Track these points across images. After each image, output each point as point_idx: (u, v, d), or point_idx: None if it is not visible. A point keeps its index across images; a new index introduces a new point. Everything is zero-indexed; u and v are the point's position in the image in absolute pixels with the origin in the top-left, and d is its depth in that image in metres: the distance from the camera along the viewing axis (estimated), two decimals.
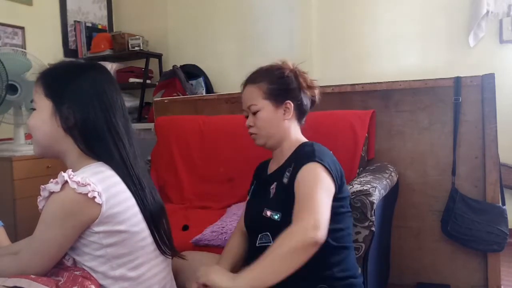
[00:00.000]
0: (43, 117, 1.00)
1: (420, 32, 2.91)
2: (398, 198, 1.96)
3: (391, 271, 1.97)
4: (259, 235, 1.18)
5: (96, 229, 0.93)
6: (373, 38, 3.04)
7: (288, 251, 0.94)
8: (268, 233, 1.16)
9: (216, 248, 1.51)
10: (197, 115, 2.40)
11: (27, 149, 2.66)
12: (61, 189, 0.90)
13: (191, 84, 3.34)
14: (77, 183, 0.90)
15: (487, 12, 2.70)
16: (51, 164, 2.66)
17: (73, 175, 0.91)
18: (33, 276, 0.93)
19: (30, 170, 2.60)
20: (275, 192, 1.19)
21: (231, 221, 1.69)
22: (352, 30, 3.09)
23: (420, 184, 1.97)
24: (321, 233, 0.95)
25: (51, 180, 0.93)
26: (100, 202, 0.91)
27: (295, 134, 1.26)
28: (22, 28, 3.19)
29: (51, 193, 0.92)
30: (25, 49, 3.08)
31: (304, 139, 1.27)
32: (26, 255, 0.97)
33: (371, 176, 1.59)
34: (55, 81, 1.02)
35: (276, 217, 1.13)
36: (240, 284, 0.92)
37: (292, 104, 1.22)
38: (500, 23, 2.73)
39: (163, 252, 1.06)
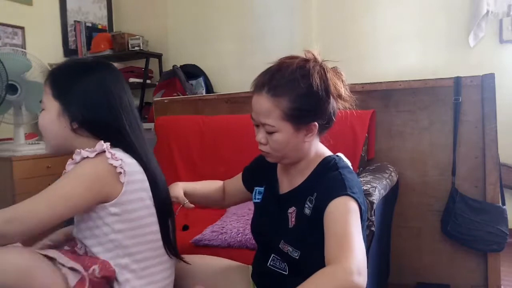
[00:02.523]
0: (51, 118, 1.01)
1: (420, 32, 2.91)
2: (398, 198, 1.96)
3: (391, 271, 1.97)
4: (272, 255, 1.10)
5: (112, 209, 0.94)
6: (373, 38, 3.04)
7: None
8: (283, 262, 1.08)
9: (216, 248, 1.51)
10: (197, 115, 2.40)
11: (27, 149, 2.67)
12: (96, 155, 0.93)
13: (191, 84, 3.34)
14: (112, 154, 0.93)
15: (487, 12, 2.70)
16: (51, 164, 2.66)
17: (109, 146, 0.94)
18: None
19: (30, 170, 2.60)
20: (295, 223, 1.05)
21: (231, 221, 1.69)
22: (352, 30, 3.09)
23: (420, 184, 1.97)
24: (363, 279, 0.83)
25: (87, 149, 0.95)
26: (123, 181, 0.94)
27: (315, 149, 1.08)
28: (22, 28, 3.19)
29: (83, 158, 0.93)
30: (25, 49, 3.08)
31: (324, 151, 1.11)
32: (31, 202, 0.90)
33: (371, 176, 1.59)
34: (61, 81, 1.03)
35: (295, 254, 1.01)
36: None
37: (318, 125, 1.02)
38: (500, 23, 2.73)
39: (167, 251, 1.06)
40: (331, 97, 1.03)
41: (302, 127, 1.01)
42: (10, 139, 2.77)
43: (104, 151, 0.93)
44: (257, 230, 1.19)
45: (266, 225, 1.14)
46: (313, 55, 1.04)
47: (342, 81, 1.07)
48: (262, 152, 1.06)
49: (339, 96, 1.05)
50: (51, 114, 1.01)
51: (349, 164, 1.13)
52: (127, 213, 0.96)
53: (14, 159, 2.54)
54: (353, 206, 0.94)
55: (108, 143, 0.95)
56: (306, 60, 1.03)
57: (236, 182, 1.33)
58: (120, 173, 0.93)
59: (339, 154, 1.13)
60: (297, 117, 0.99)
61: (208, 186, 1.38)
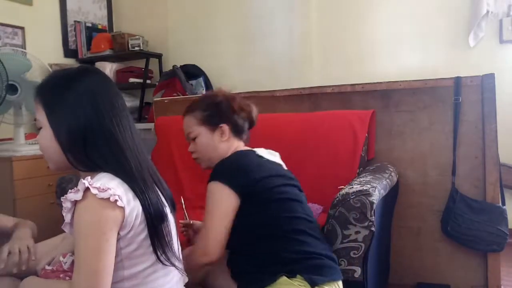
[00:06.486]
0: (47, 134, 0.98)
1: (420, 32, 2.91)
2: (398, 198, 1.96)
3: (391, 271, 1.97)
4: None
5: (121, 232, 0.92)
6: (373, 38, 3.04)
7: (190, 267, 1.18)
8: None
9: None
10: None
11: (27, 149, 2.66)
12: (84, 197, 0.89)
13: (191, 84, 3.34)
14: (98, 188, 0.89)
15: (487, 12, 2.70)
16: None
17: (92, 182, 0.90)
18: None
19: (30, 170, 2.60)
20: None
21: None
22: (352, 30, 3.09)
23: (420, 184, 1.97)
24: (208, 258, 1.18)
25: (70, 190, 0.92)
26: (122, 205, 0.91)
27: (235, 149, 1.34)
28: (22, 28, 3.19)
29: (74, 202, 0.91)
30: (25, 49, 3.08)
31: (240, 148, 1.36)
32: (81, 282, 0.89)
33: (371, 176, 1.59)
34: (46, 97, 0.99)
35: None
36: None
37: (227, 127, 1.33)
38: (500, 23, 2.73)
39: (159, 260, 1.01)
40: (232, 108, 1.34)
41: (215, 128, 1.33)
42: (10, 139, 2.77)
43: (89, 188, 0.89)
44: None
45: None
46: (221, 91, 1.40)
47: (248, 105, 1.40)
48: (195, 160, 1.37)
49: (240, 108, 1.36)
50: (47, 131, 0.98)
51: (260, 152, 1.33)
52: (132, 230, 0.94)
53: (14, 159, 2.54)
54: (216, 191, 1.21)
55: (89, 177, 0.91)
56: (214, 93, 1.41)
57: None
58: (116, 200, 0.90)
59: (256, 149, 1.35)
60: (208, 121, 1.33)
61: None
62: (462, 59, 2.79)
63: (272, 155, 1.36)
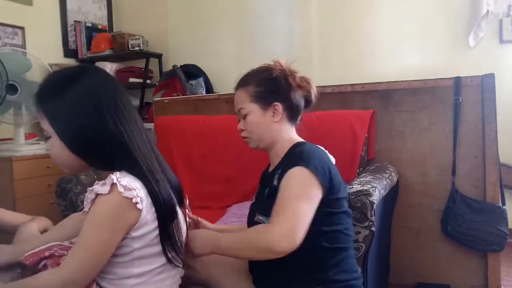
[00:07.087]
0: (56, 143, 0.98)
1: (420, 32, 2.91)
2: (398, 198, 1.96)
3: (391, 271, 1.98)
4: None
5: (134, 234, 0.94)
6: (373, 38, 3.03)
7: (251, 247, 1.03)
8: None
9: None
10: (197, 115, 2.40)
11: (27, 149, 2.67)
12: (109, 191, 0.91)
13: (191, 84, 3.34)
14: (124, 187, 0.90)
15: (487, 12, 2.70)
16: (51, 164, 2.66)
17: (120, 178, 0.91)
18: None
19: (30, 170, 2.60)
20: (266, 196, 1.19)
21: (232, 222, 1.69)
22: (352, 30, 3.09)
23: (420, 184, 1.97)
24: (292, 243, 0.98)
25: (97, 182, 0.93)
26: (141, 208, 0.92)
27: (288, 135, 1.24)
28: (22, 28, 3.19)
29: (97, 195, 0.92)
30: (25, 49, 3.08)
31: (298, 139, 1.24)
32: (72, 264, 0.92)
33: (371, 176, 1.59)
34: (47, 104, 0.98)
35: (266, 221, 1.11)
36: (218, 245, 1.08)
37: (281, 106, 1.20)
38: (500, 23, 2.73)
39: (169, 261, 1.02)
40: (290, 85, 1.21)
41: (268, 107, 1.20)
42: (10, 139, 2.77)
43: (116, 184, 0.90)
44: (247, 221, 1.27)
45: (251, 211, 1.26)
46: (280, 63, 1.24)
47: (308, 83, 1.25)
48: (243, 139, 1.25)
49: (298, 85, 1.22)
50: (54, 139, 0.98)
51: (324, 150, 1.22)
52: (147, 232, 0.96)
53: (14, 159, 2.54)
54: (304, 176, 1.07)
55: (118, 173, 0.92)
56: (270, 66, 1.24)
57: None
58: (137, 202, 0.91)
59: (319, 146, 1.23)
60: (261, 98, 1.20)
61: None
62: (462, 59, 2.79)
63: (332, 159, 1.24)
